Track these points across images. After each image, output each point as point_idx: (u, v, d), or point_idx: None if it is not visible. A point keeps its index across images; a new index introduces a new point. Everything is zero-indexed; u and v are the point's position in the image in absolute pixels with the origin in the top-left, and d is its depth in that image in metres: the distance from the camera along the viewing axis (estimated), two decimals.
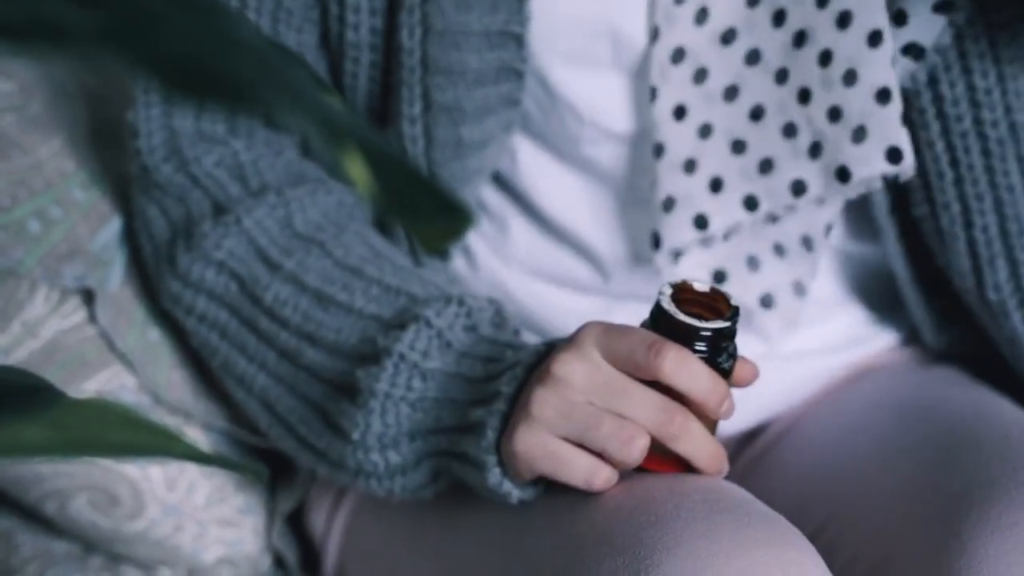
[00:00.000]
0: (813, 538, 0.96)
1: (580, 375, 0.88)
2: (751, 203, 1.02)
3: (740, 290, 1.07)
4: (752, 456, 1.14)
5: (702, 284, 0.91)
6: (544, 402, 0.88)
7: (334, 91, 1.04)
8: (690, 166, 1.03)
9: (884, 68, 0.98)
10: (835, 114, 0.99)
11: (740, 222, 1.03)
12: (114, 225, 1.11)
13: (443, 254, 1.11)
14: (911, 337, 1.17)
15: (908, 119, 1.01)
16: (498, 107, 1.03)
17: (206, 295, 1.04)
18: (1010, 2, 1.01)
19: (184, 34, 0.51)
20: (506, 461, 0.91)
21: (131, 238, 1.11)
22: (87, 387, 1.10)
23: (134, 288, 1.11)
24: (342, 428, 0.97)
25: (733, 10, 1.02)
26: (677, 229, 1.03)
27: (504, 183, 1.10)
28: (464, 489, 0.96)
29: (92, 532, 1.12)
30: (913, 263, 1.11)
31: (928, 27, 1.00)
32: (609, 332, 0.89)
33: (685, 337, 0.89)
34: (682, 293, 0.91)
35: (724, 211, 1.02)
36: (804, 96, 1.00)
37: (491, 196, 1.11)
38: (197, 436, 1.14)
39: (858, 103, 0.98)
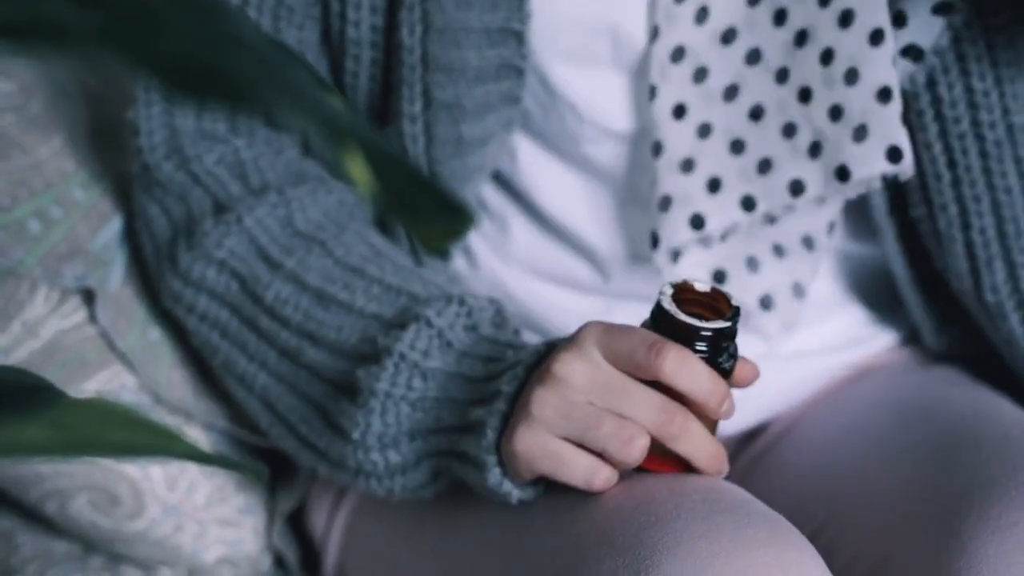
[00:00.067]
0: (813, 538, 0.97)
1: (580, 375, 0.88)
2: (749, 203, 1.02)
3: (739, 291, 1.07)
4: (752, 456, 1.14)
5: (703, 284, 0.91)
6: (544, 402, 0.88)
7: (335, 90, 1.04)
8: (688, 165, 1.03)
9: (885, 67, 0.98)
10: (836, 113, 0.99)
11: (737, 222, 1.03)
12: (114, 225, 1.11)
13: (443, 254, 1.11)
14: (911, 337, 1.17)
15: (906, 120, 1.01)
16: (498, 105, 1.03)
17: (207, 294, 1.04)
18: (1008, 5, 1.01)
19: (184, 33, 0.51)
20: (506, 461, 0.91)
21: (131, 238, 1.11)
22: (87, 387, 1.10)
23: (134, 288, 1.11)
24: (342, 427, 0.97)
25: (734, 9, 1.02)
26: (674, 228, 1.03)
27: (504, 182, 1.10)
28: (464, 489, 0.96)
29: (92, 532, 1.12)
30: (912, 264, 1.11)
31: (927, 29, 1.00)
32: (610, 332, 0.89)
33: (686, 337, 0.89)
34: (683, 293, 0.91)
35: (721, 211, 1.02)
36: (805, 95, 1.00)
37: (491, 195, 1.11)
38: (197, 436, 1.14)
39: (859, 102, 0.98)
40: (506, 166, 1.09)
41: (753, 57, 1.02)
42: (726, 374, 0.90)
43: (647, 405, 0.88)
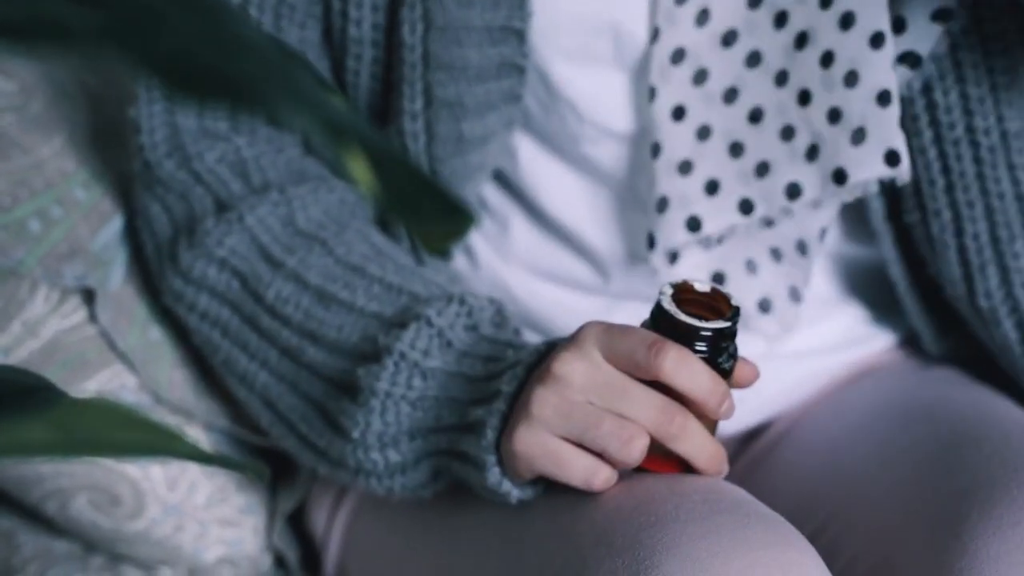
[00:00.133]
0: (813, 538, 0.97)
1: (580, 374, 0.88)
2: (746, 206, 1.02)
3: (738, 293, 1.07)
4: (752, 456, 1.14)
5: (703, 284, 0.91)
6: (544, 401, 0.88)
7: (336, 90, 1.04)
8: (686, 167, 1.03)
9: (885, 70, 0.98)
10: (835, 115, 0.99)
11: (734, 225, 1.03)
12: (115, 224, 1.11)
13: (444, 253, 1.11)
14: (911, 337, 1.17)
15: (901, 125, 1.01)
16: (499, 103, 1.03)
17: (208, 292, 1.04)
18: (1006, 13, 1.01)
19: (186, 33, 0.51)
20: (506, 460, 0.91)
21: (132, 237, 1.11)
22: (87, 387, 1.10)
23: (135, 287, 1.11)
24: (342, 426, 0.97)
25: (734, 11, 1.02)
26: (670, 230, 1.03)
27: (505, 181, 1.10)
28: (464, 489, 0.96)
29: (93, 532, 1.12)
30: (910, 270, 1.10)
31: (925, 35, 1.00)
32: (610, 332, 0.89)
33: (685, 337, 0.89)
34: (683, 293, 0.91)
35: (718, 214, 1.02)
36: (804, 98, 1.00)
37: (492, 194, 1.11)
38: (198, 436, 1.14)
39: (859, 104, 0.98)
40: (507, 165, 1.09)
41: (753, 59, 1.02)
42: (726, 374, 0.90)
43: (647, 405, 0.88)
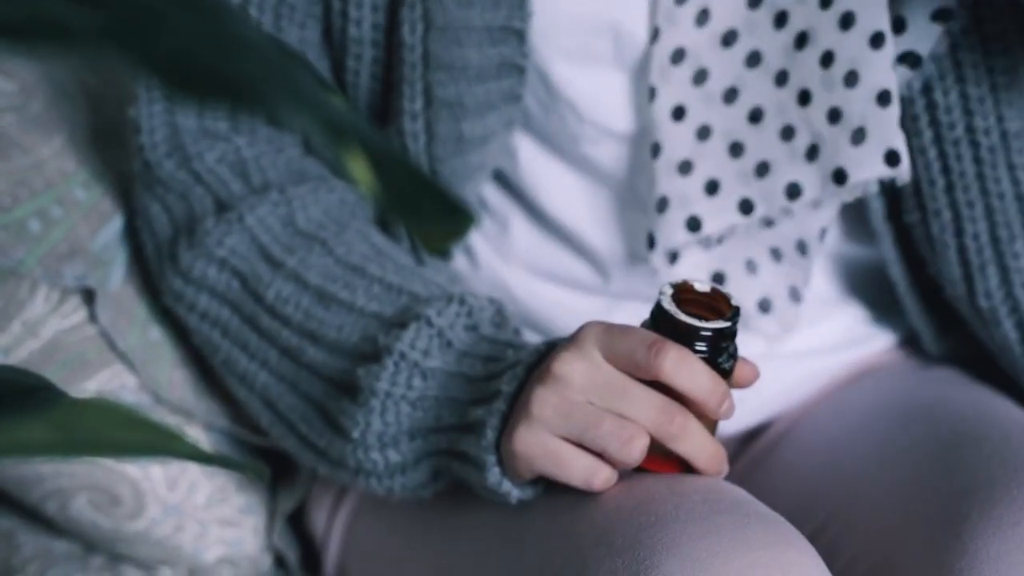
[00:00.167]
0: (813, 538, 0.97)
1: (580, 374, 0.88)
2: (746, 206, 1.02)
3: (738, 293, 1.07)
4: (753, 456, 1.14)
5: (703, 284, 0.91)
6: (544, 401, 0.88)
7: (337, 90, 1.04)
8: (686, 167, 1.03)
9: (885, 70, 0.98)
10: (835, 115, 0.99)
11: (734, 225, 1.03)
12: (115, 224, 1.11)
13: (444, 253, 1.11)
14: (911, 337, 1.17)
15: (901, 125, 1.01)
16: (499, 103, 1.04)
17: (208, 292, 1.04)
18: (1007, 13, 1.01)
19: (185, 33, 0.51)
20: (506, 460, 0.91)
21: (132, 237, 1.11)
22: (87, 387, 1.10)
23: (135, 287, 1.11)
24: (342, 426, 0.97)
25: (734, 11, 1.02)
26: (670, 230, 1.03)
27: (505, 181, 1.10)
28: (464, 489, 0.96)
29: (93, 532, 1.12)
30: (910, 269, 1.10)
31: (925, 36, 1.00)
32: (610, 332, 0.89)
33: (685, 337, 0.89)
34: (683, 293, 0.91)
35: (718, 214, 1.02)
36: (804, 98, 1.00)
37: (492, 194, 1.11)
38: (198, 436, 1.14)
39: (859, 104, 0.98)
40: (507, 165, 1.09)
41: (753, 59, 1.02)
42: (726, 374, 0.90)
43: (647, 405, 0.88)
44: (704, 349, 0.89)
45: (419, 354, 0.95)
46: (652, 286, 1.06)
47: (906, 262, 1.10)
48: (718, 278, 1.07)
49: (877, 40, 0.98)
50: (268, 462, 1.15)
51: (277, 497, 1.17)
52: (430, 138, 1.03)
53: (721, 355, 0.89)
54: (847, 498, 1.02)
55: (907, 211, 1.07)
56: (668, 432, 0.88)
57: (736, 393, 0.91)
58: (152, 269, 1.09)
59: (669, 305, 0.89)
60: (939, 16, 1.00)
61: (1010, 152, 1.04)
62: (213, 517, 1.14)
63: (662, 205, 1.03)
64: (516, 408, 0.90)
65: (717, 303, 0.91)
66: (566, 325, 1.08)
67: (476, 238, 1.12)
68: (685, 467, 0.91)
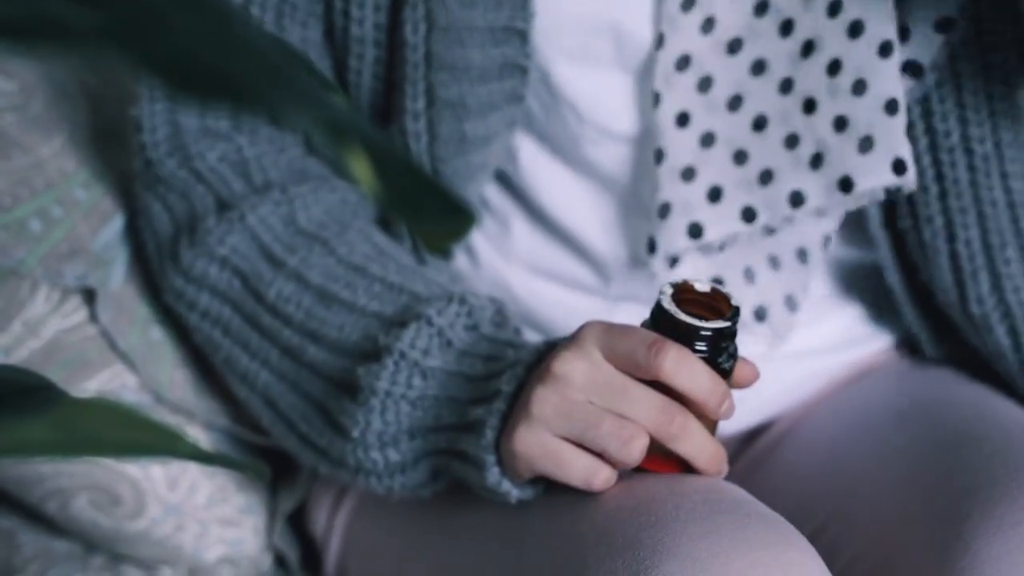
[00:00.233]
0: (814, 538, 0.97)
1: (580, 374, 0.88)
2: (749, 214, 1.02)
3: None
4: (753, 456, 1.14)
5: (703, 284, 0.91)
6: (544, 401, 0.88)
7: (338, 89, 1.04)
8: (689, 174, 1.03)
9: (893, 79, 0.98)
10: (841, 123, 0.99)
11: (736, 233, 1.03)
12: (115, 224, 1.11)
13: (445, 253, 1.11)
14: (910, 337, 1.17)
15: None
16: (502, 103, 1.03)
17: (209, 291, 1.04)
18: (1009, 23, 1.01)
19: (186, 32, 0.51)
20: (505, 460, 0.91)
21: (133, 237, 1.11)
22: (88, 386, 1.10)
23: (136, 287, 1.11)
24: (343, 426, 0.97)
25: (739, 19, 1.01)
26: (672, 236, 1.03)
27: (507, 181, 1.10)
28: (464, 489, 0.96)
29: (93, 531, 1.12)
30: (906, 275, 1.11)
31: (927, 45, 1.00)
32: (610, 331, 0.89)
33: (685, 337, 0.89)
34: (683, 293, 0.91)
35: (721, 221, 1.02)
36: (809, 106, 1.00)
37: (493, 194, 1.11)
38: (199, 435, 1.14)
39: (866, 113, 0.99)
40: (508, 166, 1.09)
41: (758, 67, 1.02)
42: (726, 374, 0.90)
43: (647, 405, 0.88)
44: (704, 349, 0.89)
45: (419, 353, 0.95)
46: (652, 289, 1.06)
47: (902, 268, 1.10)
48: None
49: (886, 49, 0.98)
50: (268, 462, 1.15)
51: (277, 497, 1.17)
52: (432, 138, 1.03)
53: (721, 355, 0.89)
54: (847, 498, 1.02)
55: (900, 217, 1.07)
56: (668, 432, 0.88)
57: (736, 393, 0.91)
58: (153, 268, 1.09)
59: (669, 305, 0.89)
60: (942, 26, 1.00)
61: (1003, 161, 1.05)
62: (214, 517, 1.14)
63: (664, 211, 1.03)
64: (516, 408, 0.90)
65: (717, 303, 0.91)
66: (567, 325, 1.08)
67: (477, 237, 1.12)
68: (685, 467, 0.91)
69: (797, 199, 1.01)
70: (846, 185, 0.99)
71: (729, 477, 0.94)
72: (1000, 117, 1.04)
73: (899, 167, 0.99)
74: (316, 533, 1.16)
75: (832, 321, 1.14)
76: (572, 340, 0.90)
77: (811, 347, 1.13)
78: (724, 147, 1.02)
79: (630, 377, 0.88)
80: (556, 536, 0.90)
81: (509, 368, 0.93)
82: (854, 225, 1.10)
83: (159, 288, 1.09)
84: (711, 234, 1.02)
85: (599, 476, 0.89)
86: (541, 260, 1.11)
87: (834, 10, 0.99)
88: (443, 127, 1.03)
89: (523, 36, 1.02)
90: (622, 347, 0.88)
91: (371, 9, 1.03)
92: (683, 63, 1.02)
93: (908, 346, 1.17)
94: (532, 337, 1.06)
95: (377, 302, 0.99)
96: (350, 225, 1.04)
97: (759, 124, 1.02)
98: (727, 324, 0.89)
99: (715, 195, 1.03)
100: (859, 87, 0.99)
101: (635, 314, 0.95)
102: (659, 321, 0.89)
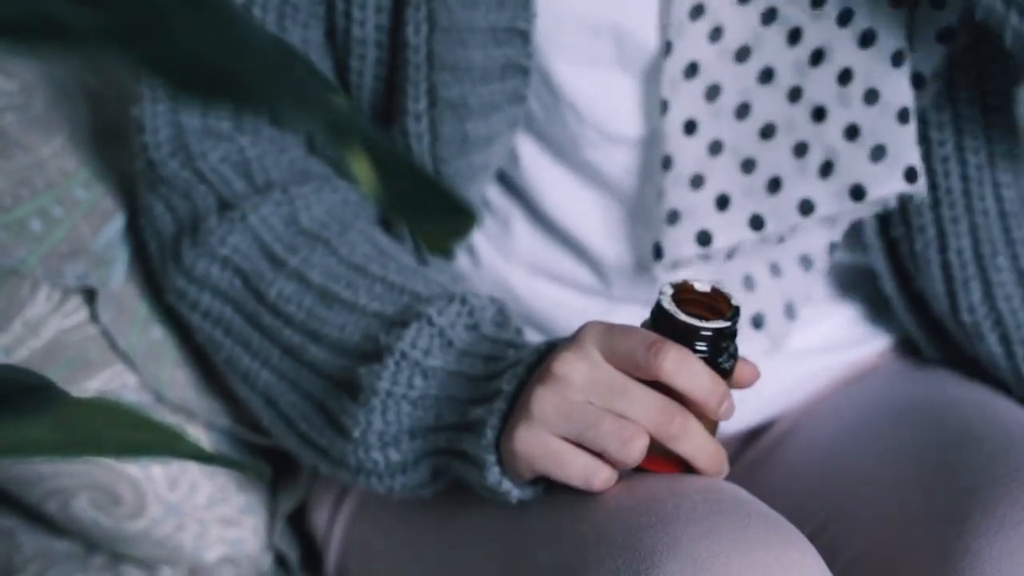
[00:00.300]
0: (814, 538, 0.96)
1: (580, 374, 0.88)
2: (757, 222, 1.02)
3: None
4: (753, 456, 1.14)
5: (703, 284, 0.91)
6: (544, 401, 0.88)
7: (340, 91, 1.04)
8: (697, 181, 1.03)
9: (905, 88, 0.99)
10: (852, 132, 1.00)
11: (744, 241, 1.03)
12: (116, 224, 1.11)
13: (447, 253, 1.11)
14: (909, 337, 1.17)
15: None
16: (504, 104, 1.04)
17: (210, 291, 1.04)
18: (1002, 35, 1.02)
19: (188, 33, 0.51)
20: (505, 460, 0.91)
21: (133, 237, 1.11)
22: (89, 386, 1.10)
23: (136, 287, 1.11)
24: (343, 425, 0.98)
25: (747, 28, 1.02)
26: (679, 242, 1.03)
27: (508, 182, 1.10)
28: (465, 489, 0.96)
29: (94, 531, 1.12)
30: (902, 283, 1.11)
31: (929, 56, 1.01)
32: (610, 332, 0.89)
33: (685, 337, 0.89)
34: (683, 293, 0.91)
35: (729, 229, 1.03)
36: (819, 114, 1.00)
37: (495, 194, 1.11)
38: (199, 435, 1.14)
39: (878, 121, 0.99)
40: (509, 167, 1.09)
41: (766, 76, 1.02)
42: (726, 374, 0.90)
43: (647, 405, 0.88)
44: (704, 349, 0.89)
45: (420, 353, 0.95)
46: (653, 292, 1.06)
47: (897, 275, 1.10)
48: None
49: (898, 58, 0.99)
50: (269, 462, 1.15)
51: (278, 497, 1.17)
52: (434, 139, 1.04)
53: (721, 355, 0.89)
54: (848, 498, 1.02)
55: (893, 226, 1.07)
56: (668, 432, 0.88)
57: (736, 393, 0.91)
58: (155, 267, 1.09)
59: (669, 305, 0.89)
60: (944, 37, 1.00)
61: (995, 171, 1.05)
62: (214, 517, 1.14)
63: (673, 218, 1.03)
64: (516, 408, 0.90)
65: (717, 303, 0.91)
66: (568, 325, 1.08)
67: (478, 237, 1.12)
68: (685, 467, 0.91)
69: (806, 207, 1.01)
70: (858, 193, 1.00)
71: (729, 477, 0.94)
72: (994, 127, 1.04)
73: (911, 175, 0.99)
74: (316, 533, 1.16)
75: (833, 321, 1.14)
76: (572, 340, 0.90)
77: (811, 347, 1.13)
78: (732, 155, 1.03)
79: (630, 377, 0.88)
80: (556, 536, 0.90)
81: (510, 368, 0.93)
82: (851, 231, 1.10)
83: (162, 288, 1.09)
84: (720, 241, 1.03)
85: (599, 476, 0.89)
86: (542, 261, 1.11)
87: (844, 20, 0.99)
88: (445, 128, 1.03)
89: (525, 37, 1.02)
90: (622, 347, 0.88)
91: (373, 10, 1.03)
92: (691, 71, 1.02)
93: (908, 346, 1.17)
94: (533, 337, 1.06)
95: (378, 302, 0.99)
96: (351, 225, 1.04)
97: (767, 132, 1.02)
98: (727, 324, 0.89)
99: (723, 203, 1.03)
100: (871, 96, 0.99)
101: (636, 315, 0.95)
102: (659, 321, 0.89)
